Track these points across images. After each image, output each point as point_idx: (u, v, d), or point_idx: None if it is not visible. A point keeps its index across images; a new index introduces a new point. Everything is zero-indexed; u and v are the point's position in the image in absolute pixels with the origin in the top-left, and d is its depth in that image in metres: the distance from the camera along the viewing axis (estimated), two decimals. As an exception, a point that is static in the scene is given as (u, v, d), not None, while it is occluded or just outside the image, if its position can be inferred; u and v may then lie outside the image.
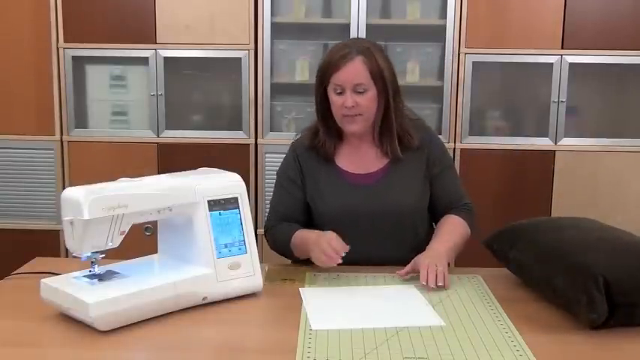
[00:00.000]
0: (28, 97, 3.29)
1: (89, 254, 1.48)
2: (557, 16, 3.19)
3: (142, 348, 1.36)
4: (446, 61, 3.24)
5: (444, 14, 3.23)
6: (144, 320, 1.45)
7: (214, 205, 1.60)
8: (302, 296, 1.62)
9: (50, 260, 1.96)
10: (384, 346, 1.34)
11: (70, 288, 1.45)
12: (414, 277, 1.72)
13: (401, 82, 1.93)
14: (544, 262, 1.59)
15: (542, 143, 3.28)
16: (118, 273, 1.54)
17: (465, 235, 1.89)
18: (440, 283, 1.65)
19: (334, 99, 1.86)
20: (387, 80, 1.86)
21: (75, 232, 1.43)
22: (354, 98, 1.83)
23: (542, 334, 1.41)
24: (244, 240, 1.62)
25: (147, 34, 3.24)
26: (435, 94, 3.31)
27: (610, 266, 1.44)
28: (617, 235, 1.65)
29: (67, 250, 1.76)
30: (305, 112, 3.38)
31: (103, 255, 1.51)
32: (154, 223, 1.67)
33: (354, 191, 1.91)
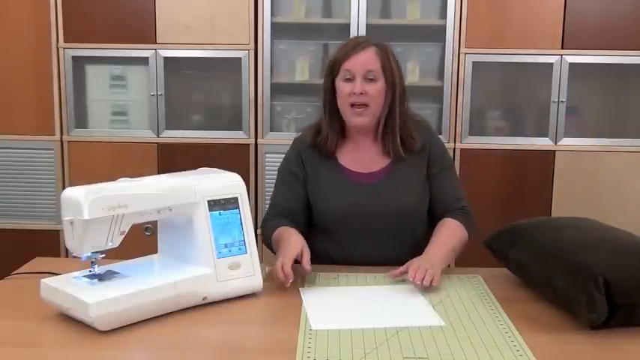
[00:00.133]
0: (28, 97, 3.29)
1: (89, 254, 1.48)
2: (557, 16, 3.19)
3: (142, 348, 1.36)
4: (446, 61, 3.24)
5: (444, 14, 3.23)
6: (144, 320, 1.45)
7: (214, 205, 1.60)
8: (302, 296, 1.62)
9: (50, 260, 1.96)
10: (384, 346, 1.34)
11: (70, 288, 1.45)
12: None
13: (402, 81, 1.94)
14: (544, 262, 1.59)
15: (542, 143, 3.28)
16: (118, 273, 1.54)
17: (462, 239, 1.88)
18: (426, 283, 1.62)
19: (342, 86, 1.86)
20: (396, 77, 1.88)
21: (75, 232, 1.43)
22: (364, 86, 1.84)
23: (542, 334, 1.41)
24: (244, 240, 1.62)
25: (147, 34, 3.24)
26: (435, 94, 3.31)
27: (610, 266, 1.44)
28: (617, 235, 1.65)
29: (67, 250, 1.76)
30: (305, 112, 3.39)
31: (103, 255, 1.51)
32: (154, 223, 1.67)
33: (356, 190, 1.91)
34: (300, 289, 1.66)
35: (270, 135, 3.32)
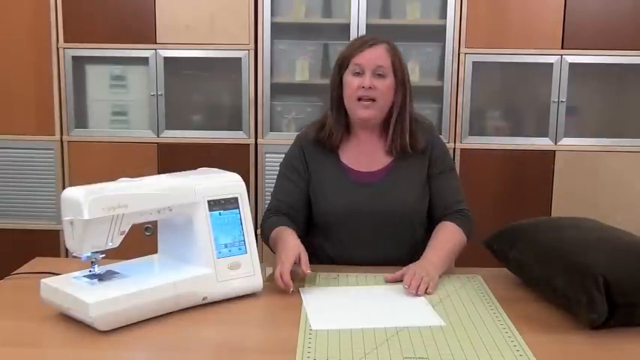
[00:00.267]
0: (28, 97, 3.29)
1: (89, 254, 1.48)
2: (557, 16, 3.19)
3: (142, 348, 1.36)
4: (446, 61, 3.24)
5: (444, 14, 3.23)
6: (144, 320, 1.45)
7: (214, 205, 1.60)
8: (302, 296, 1.62)
9: (50, 260, 1.96)
10: (384, 346, 1.34)
11: (70, 288, 1.45)
12: None
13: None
14: (544, 262, 1.59)
15: (542, 143, 3.28)
16: (118, 273, 1.54)
17: (460, 243, 1.87)
18: (421, 292, 1.62)
19: (351, 80, 1.87)
20: (406, 77, 1.90)
21: (75, 232, 1.43)
22: (373, 81, 1.84)
23: (542, 334, 1.41)
24: (244, 240, 1.62)
25: (147, 34, 3.24)
26: (435, 94, 3.31)
27: (610, 266, 1.44)
28: (617, 235, 1.65)
29: (67, 250, 1.76)
30: (305, 112, 3.39)
31: (103, 255, 1.51)
32: (154, 223, 1.67)
33: (358, 190, 1.91)
34: (300, 289, 1.66)
35: (270, 135, 3.32)
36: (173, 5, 3.22)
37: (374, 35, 1.93)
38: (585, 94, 3.38)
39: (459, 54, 3.23)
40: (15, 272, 1.77)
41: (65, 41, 3.24)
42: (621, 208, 3.28)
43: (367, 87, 1.84)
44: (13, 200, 3.37)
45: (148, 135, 3.33)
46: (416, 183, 1.93)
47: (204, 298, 1.55)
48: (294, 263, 1.67)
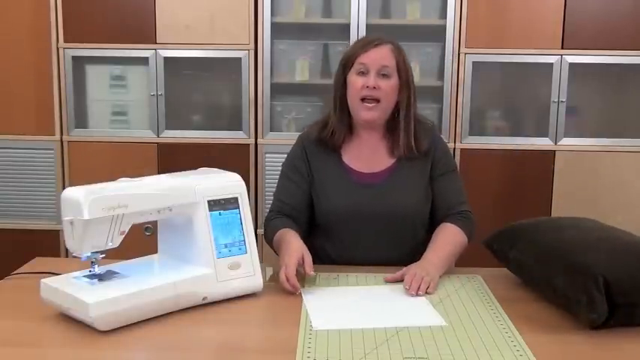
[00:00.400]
0: (28, 97, 3.29)
1: (89, 254, 1.48)
2: (557, 16, 3.19)
3: (142, 348, 1.36)
4: (446, 61, 3.24)
5: (444, 14, 3.23)
6: (144, 320, 1.45)
7: (214, 205, 1.60)
8: (303, 296, 1.61)
9: (50, 260, 1.96)
10: (384, 346, 1.34)
11: (70, 288, 1.45)
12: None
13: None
14: (544, 262, 1.59)
15: (542, 143, 3.28)
16: (118, 273, 1.54)
17: (461, 244, 1.87)
18: (421, 292, 1.62)
19: (355, 80, 1.86)
20: (410, 78, 1.89)
21: (75, 232, 1.43)
22: (377, 81, 1.84)
23: (542, 334, 1.41)
24: (244, 240, 1.62)
25: (147, 34, 3.24)
26: (435, 94, 3.31)
27: (610, 266, 1.44)
28: (617, 235, 1.65)
29: (67, 250, 1.76)
30: (305, 112, 3.39)
31: (103, 255, 1.51)
32: (154, 223, 1.67)
33: (359, 191, 1.90)
34: (301, 289, 1.66)
35: (270, 135, 3.32)
36: (173, 5, 3.22)
37: (379, 35, 1.92)
38: (585, 94, 3.38)
39: (459, 54, 3.23)
40: (15, 272, 1.77)
41: (65, 41, 3.24)
42: (621, 208, 3.28)
43: (372, 87, 1.84)
44: (13, 200, 3.37)
45: (147, 135, 3.33)
46: (419, 185, 1.93)
47: (204, 298, 1.55)
48: (298, 264, 1.67)
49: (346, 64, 1.90)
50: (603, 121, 3.43)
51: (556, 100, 3.24)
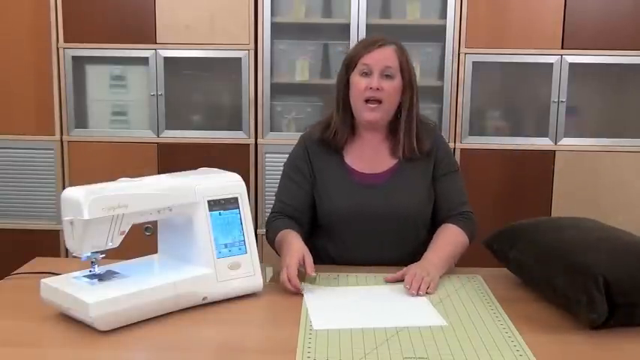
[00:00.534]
0: (28, 97, 3.29)
1: (89, 254, 1.48)
2: (557, 16, 3.19)
3: (142, 348, 1.36)
4: (446, 61, 3.25)
5: (444, 14, 3.23)
6: (144, 320, 1.45)
7: (214, 205, 1.60)
8: (304, 295, 1.61)
9: (50, 260, 1.96)
10: (384, 346, 1.34)
11: (70, 288, 1.45)
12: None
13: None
14: (544, 262, 1.59)
15: (542, 143, 3.28)
16: (118, 273, 1.54)
17: (462, 244, 1.87)
18: (422, 292, 1.62)
19: (358, 81, 1.86)
20: (413, 79, 1.89)
21: (75, 232, 1.43)
22: (380, 82, 1.84)
23: (542, 334, 1.41)
24: (244, 240, 1.62)
25: (147, 34, 3.24)
26: (435, 94, 3.31)
27: (610, 266, 1.44)
28: (618, 235, 1.65)
29: (67, 250, 1.76)
30: (305, 112, 3.39)
31: (103, 255, 1.51)
32: (154, 223, 1.67)
33: (362, 191, 1.90)
34: (302, 283, 1.66)
35: (270, 135, 3.32)
36: (173, 5, 3.22)
37: (382, 36, 1.92)
38: (585, 94, 3.38)
39: (459, 54, 3.23)
40: (15, 272, 1.77)
41: (65, 41, 3.24)
42: (621, 208, 3.28)
43: (375, 87, 1.84)
44: (13, 200, 3.37)
45: (147, 135, 3.33)
46: (421, 185, 1.93)
47: (204, 298, 1.55)
48: (299, 265, 1.67)
49: (349, 65, 1.90)
50: (603, 121, 3.43)
51: (556, 100, 3.24)
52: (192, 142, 3.30)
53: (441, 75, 3.30)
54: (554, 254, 1.57)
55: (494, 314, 1.52)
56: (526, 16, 3.19)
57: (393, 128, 1.94)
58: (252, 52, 3.24)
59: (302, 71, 3.34)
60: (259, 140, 3.31)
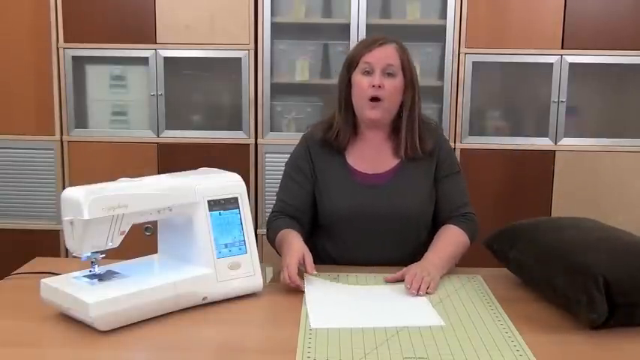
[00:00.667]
0: (28, 97, 3.29)
1: (89, 254, 1.48)
2: (557, 16, 3.19)
3: (142, 348, 1.36)
4: (446, 61, 3.25)
5: (444, 14, 3.23)
6: (144, 320, 1.45)
7: (214, 205, 1.60)
8: (305, 293, 1.61)
9: (50, 260, 1.96)
10: (384, 346, 1.34)
11: (70, 288, 1.45)
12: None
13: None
14: (544, 262, 1.59)
15: (542, 143, 3.29)
16: (118, 273, 1.54)
17: (463, 245, 1.87)
18: (422, 292, 1.62)
19: (360, 79, 1.86)
20: (415, 77, 1.89)
21: (75, 232, 1.43)
22: (382, 80, 1.84)
23: (542, 334, 1.41)
24: (244, 240, 1.62)
25: (147, 34, 3.24)
26: (435, 94, 3.31)
27: (610, 266, 1.44)
28: (618, 235, 1.65)
29: (67, 250, 1.76)
30: (305, 112, 3.39)
31: (103, 255, 1.51)
32: (154, 223, 1.67)
33: (363, 192, 1.90)
34: (304, 274, 1.67)
35: (270, 135, 3.32)
36: (173, 5, 3.22)
37: (383, 35, 1.92)
38: (585, 94, 3.38)
39: (459, 54, 3.23)
40: (15, 272, 1.77)
41: (65, 41, 3.24)
42: (621, 208, 3.28)
43: (377, 85, 1.84)
44: (13, 200, 3.37)
45: (147, 135, 3.33)
46: (423, 185, 1.93)
47: (204, 298, 1.55)
48: (299, 264, 1.67)
49: (351, 64, 1.90)
50: (603, 121, 3.43)
51: (556, 100, 3.24)
52: (192, 142, 3.30)
53: (441, 75, 3.30)
54: (554, 254, 1.57)
55: (494, 314, 1.52)
56: (526, 16, 3.20)
57: (395, 127, 1.93)
58: (252, 52, 3.24)
59: (302, 71, 3.34)
60: (259, 140, 3.31)
